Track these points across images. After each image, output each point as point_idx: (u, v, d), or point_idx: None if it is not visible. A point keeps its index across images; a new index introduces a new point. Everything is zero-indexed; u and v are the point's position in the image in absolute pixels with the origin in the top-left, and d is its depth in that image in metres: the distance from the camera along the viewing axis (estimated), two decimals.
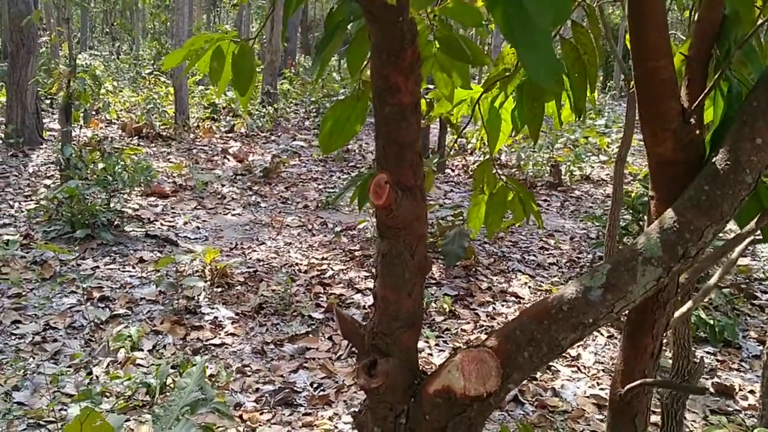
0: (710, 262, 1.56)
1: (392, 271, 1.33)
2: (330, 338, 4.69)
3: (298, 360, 4.35)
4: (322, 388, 4.04)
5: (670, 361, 3.14)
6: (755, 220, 1.35)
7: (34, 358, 4.14)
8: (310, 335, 4.69)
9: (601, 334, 4.93)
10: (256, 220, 7.48)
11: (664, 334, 1.51)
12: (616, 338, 4.87)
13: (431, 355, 4.51)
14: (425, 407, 1.26)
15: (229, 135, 12.27)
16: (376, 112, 1.28)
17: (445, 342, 4.74)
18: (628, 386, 1.41)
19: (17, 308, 4.78)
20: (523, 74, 1.84)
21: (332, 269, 6.00)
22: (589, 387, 4.25)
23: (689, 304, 1.72)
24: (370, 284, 5.24)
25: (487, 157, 1.89)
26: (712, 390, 4.23)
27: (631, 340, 1.45)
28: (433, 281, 5.84)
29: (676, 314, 1.61)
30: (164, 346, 4.41)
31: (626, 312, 1.32)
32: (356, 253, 6.42)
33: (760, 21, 1.47)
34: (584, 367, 4.51)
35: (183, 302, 5.02)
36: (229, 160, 10.37)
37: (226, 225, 7.22)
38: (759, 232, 1.38)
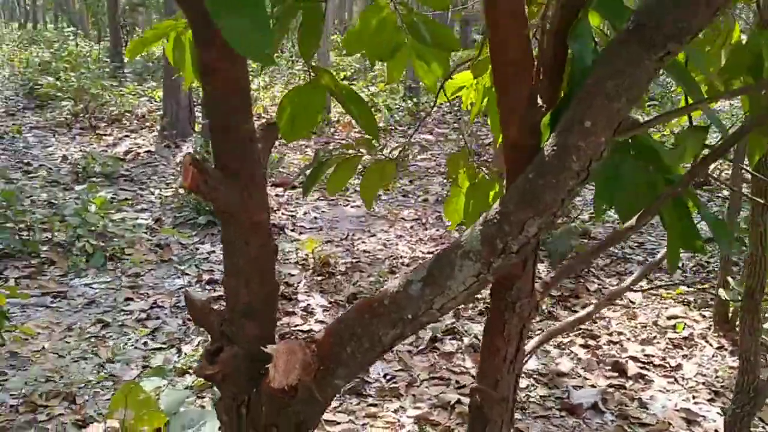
0: (581, 263, 1.38)
1: (229, 259, 1.30)
2: None
3: None
4: (394, 380, 4.03)
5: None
6: (637, 216, 1.17)
7: (135, 333, 4.46)
8: None
9: (710, 345, 4.53)
10: (373, 212, 7.57)
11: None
12: (726, 349, 4.45)
13: None
14: (262, 398, 1.22)
15: None
16: (203, 93, 1.25)
17: None
18: (472, 386, 1.28)
19: (132, 287, 5.17)
20: None
21: None
22: (683, 400, 3.91)
23: (582, 313, 1.52)
24: None
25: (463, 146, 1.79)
26: None
27: (485, 341, 1.31)
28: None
29: (557, 326, 1.43)
30: None
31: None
32: None
33: None
34: (683, 378, 4.16)
35: (282, 288, 5.19)
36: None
37: (343, 216, 7.38)
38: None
